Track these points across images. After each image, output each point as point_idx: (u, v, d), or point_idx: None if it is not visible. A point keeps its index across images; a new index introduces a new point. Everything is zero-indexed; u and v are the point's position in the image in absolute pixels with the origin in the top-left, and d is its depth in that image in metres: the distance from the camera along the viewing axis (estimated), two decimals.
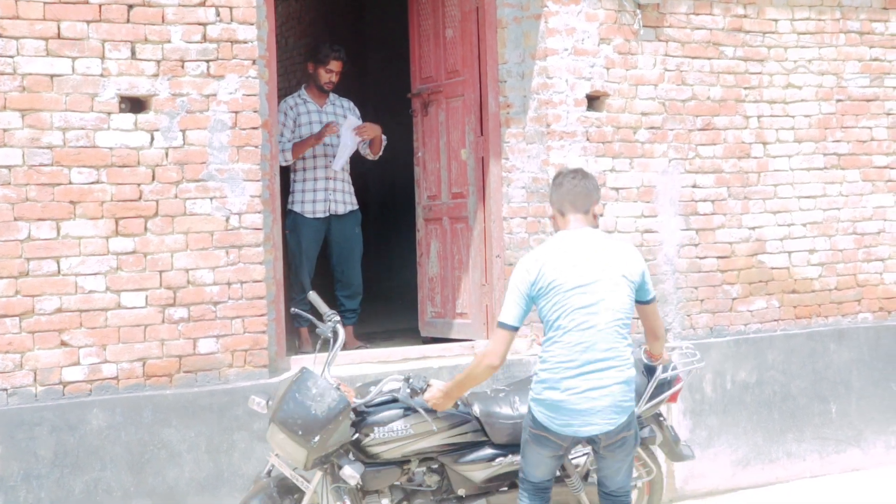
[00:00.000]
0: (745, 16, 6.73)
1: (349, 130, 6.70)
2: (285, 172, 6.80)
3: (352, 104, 7.02)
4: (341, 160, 6.73)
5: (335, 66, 6.83)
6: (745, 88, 6.74)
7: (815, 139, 6.96)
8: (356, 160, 6.97)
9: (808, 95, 6.94)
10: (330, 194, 6.77)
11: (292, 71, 10.85)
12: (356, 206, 6.91)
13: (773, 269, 6.83)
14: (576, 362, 4.20)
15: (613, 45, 6.34)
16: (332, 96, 6.92)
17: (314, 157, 6.76)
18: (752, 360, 6.70)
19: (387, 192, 9.88)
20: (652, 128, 6.46)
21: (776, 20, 6.83)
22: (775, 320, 6.83)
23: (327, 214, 6.76)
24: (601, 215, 4.45)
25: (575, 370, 4.20)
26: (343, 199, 6.82)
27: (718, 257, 6.67)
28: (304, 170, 6.77)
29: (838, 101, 7.03)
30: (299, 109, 6.80)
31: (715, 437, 6.57)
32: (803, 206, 6.93)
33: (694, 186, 6.59)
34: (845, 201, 7.06)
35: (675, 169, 6.53)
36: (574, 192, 4.39)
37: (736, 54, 6.71)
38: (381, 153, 7.00)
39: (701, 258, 6.61)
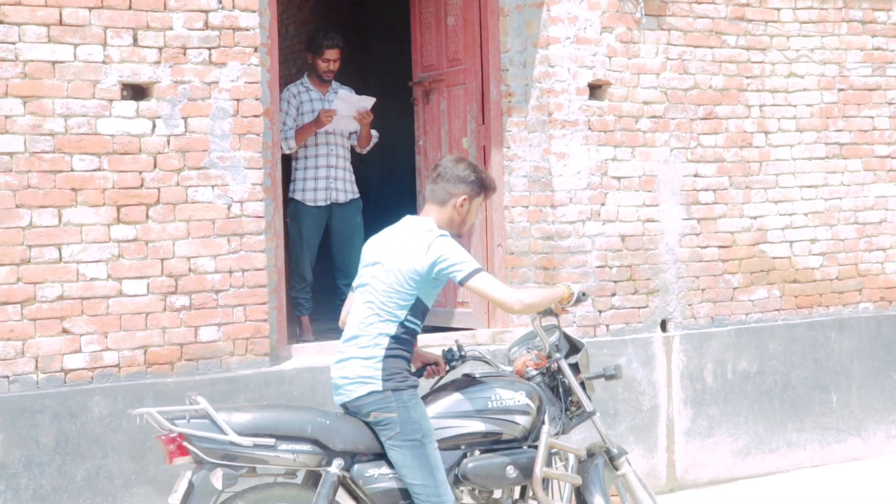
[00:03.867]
0: (747, 4, 6.71)
1: (343, 101, 6.64)
2: (286, 161, 6.78)
3: (353, 92, 6.99)
4: (342, 123, 6.69)
5: (332, 54, 6.81)
6: (748, 77, 6.73)
7: (816, 128, 6.96)
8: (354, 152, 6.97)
9: (811, 85, 6.93)
10: (331, 182, 6.76)
11: (292, 59, 10.83)
12: (357, 195, 6.89)
13: (774, 258, 6.83)
14: (343, 335, 4.25)
15: (615, 34, 6.33)
16: (334, 84, 6.90)
17: (315, 145, 6.74)
18: (753, 349, 6.71)
19: (387, 180, 9.87)
20: (654, 117, 6.45)
21: (778, 9, 6.81)
22: (776, 310, 6.83)
23: (328, 202, 6.75)
24: (463, 206, 4.24)
25: (341, 342, 4.25)
26: (344, 188, 6.81)
27: (720, 247, 6.66)
28: (306, 158, 6.76)
29: (840, 90, 7.02)
30: (301, 98, 6.79)
31: (716, 426, 6.58)
32: (805, 195, 6.92)
33: (695, 176, 6.58)
34: (847, 191, 7.06)
35: (676, 158, 6.52)
36: (430, 185, 4.33)
37: (738, 43, 6.69)
38: (370, 147, 6.99)
39: (702, 247, 6.61)
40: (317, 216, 6.75)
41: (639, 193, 6.40)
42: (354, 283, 4.28)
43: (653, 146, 6.44)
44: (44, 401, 5.03)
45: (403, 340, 4.12)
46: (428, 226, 4.20)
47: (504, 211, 6.42)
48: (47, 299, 5.07)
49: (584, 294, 4.34)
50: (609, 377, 4.52)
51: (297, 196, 6.76)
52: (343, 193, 6.80)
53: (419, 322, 4.16)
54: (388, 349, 4.08)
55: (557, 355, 4.38)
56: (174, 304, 5.30)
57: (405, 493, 4.04)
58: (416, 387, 4.13)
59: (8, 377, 5.00)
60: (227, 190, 5.41)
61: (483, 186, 4.30)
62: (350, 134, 6.85)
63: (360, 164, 7.37)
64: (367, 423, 4.10)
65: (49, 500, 5.03)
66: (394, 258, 4.13)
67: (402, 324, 4.10)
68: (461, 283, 4.09)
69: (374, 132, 6.90)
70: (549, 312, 4.38)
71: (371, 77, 9.78)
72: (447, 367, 4.45)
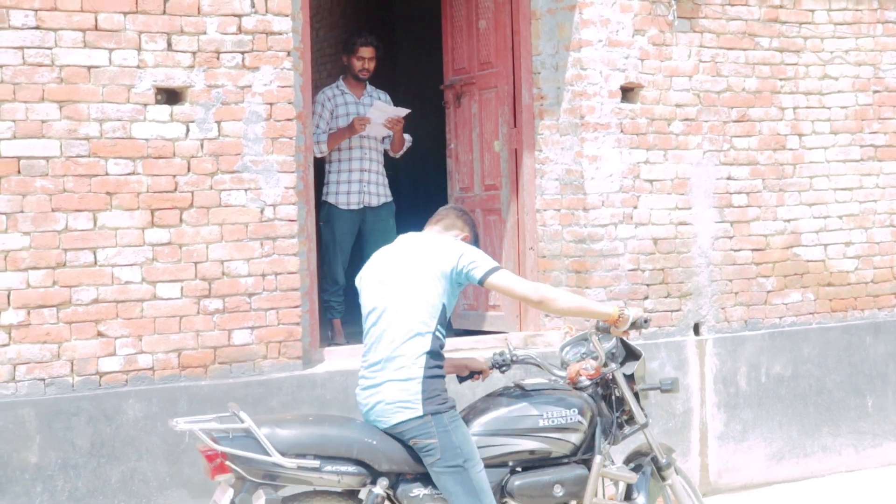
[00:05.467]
0: (781, 6, 6.67)
1: (378, 111, 6.67)
2: (320, 164, 6.80)
3: (388, 97, 7.01)
4: (375, 129, 6.71)
5: (366, 52, 6.83)
6: (781, 80, 6.69)
7: (851, 131, 6.90)
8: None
9: (845, 86, 6.87)
10: (364, 186, 6.77)
11: (322, 63, 10.86)
12: (390, 198, 6.90)
13: (808, 261, 6.78)
14: (368, 360, 4.11)
15: (648, 37, 6.31)
16: (369, 87, 6.93)
17: (349, 148, 6.76)
18: (788, 353, 6.66)
19: (418, 183, 9.87)
20: (686, 119, 6.42)
21: (813, 10, 6.77)
22: (811, 313, 6.78)
23: (361, 206, 6.76)
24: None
25: (365, 369, 4.11)
26: (377, 191, 6.82)
27: (753, 250, 6.62)
28: (339, 161, 6.78)
29: (875, 92, 6.96)
30: (336, 101, 6.81)
31: (749, 430, 6.53)
32: (839, 198, 6.87)
33: (728, 178, 6.54)
34: (882, 193, 6.99)
35: (709, 161, 6.49)
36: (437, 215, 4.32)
37: (772, 45, 6.65)
38: (402, 152, 6.99)
39: (735, 251, 6.57)
40: (350, 220, 6.76)
41: (671, 196, 6.37)
42: (365, 311, 4.11)
43: (685, 149, 6.41)
44: (79, 403, 5.07)
45: (438, 356, 4.01)
46: (440, 235, 4.17)
47: (536, 214, 6.40)
48: (82, 302, 5.11)
49: (646, 321, 4.16)
50: (665, 390, 4.39)
51: (331, 199, 6.78)
52: (376, 197, 6.81)
53: (445, 333, 4.07)
54: (426, 368, 3.95)
55: (613, 366, 4.25)
56: (208, 307, 5.32)
57: None
58: (454, 407, 4.03)
59: (44, 380, 5.04)
60: (260, 193, 5.43)
61: (476, 241, 4.31)
62: (383, 138, 6.86)
63: (391, 167, 7.38)
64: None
65: (84, 502, 5.06)
66: (416, 270, 4.02)
67: (434, 336, 3.98)
68: (481, 281, 3.98)
69: (407, 136, 6.91)
70: (605, 330, 4.26)
71: (401, 80, 9.79)
72: (500, 371, 4.39)
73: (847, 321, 6.87)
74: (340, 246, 6.76)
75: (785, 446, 6.64)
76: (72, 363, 5.09)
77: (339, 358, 5.81)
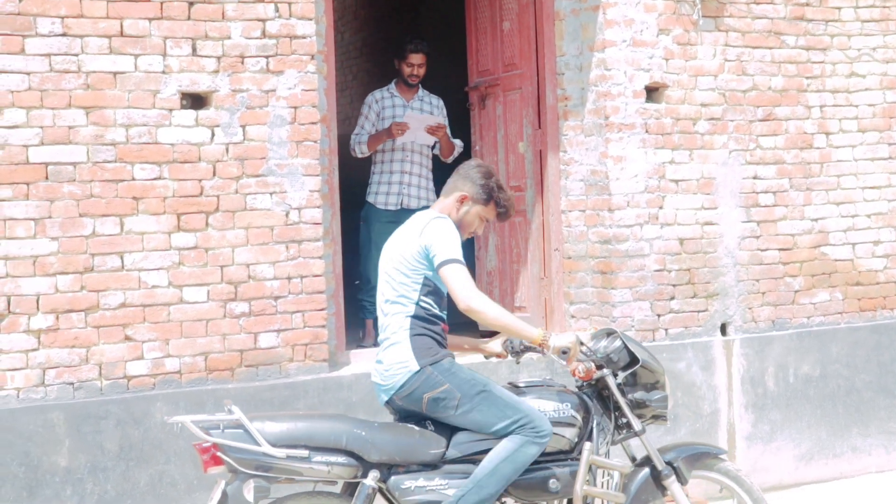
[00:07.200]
0: (807, 4, 6.62)
1: (412, 119, 6.71)
2: (362, 164, 6.87)
3: (441, 101, 7.02)
4: (420, 136, 6.74)
5: (416, 59, 6.88)
6: (808, 78, 6.64)
7: (879, 129, 6.84)
8: None
9: (873, 84, 6.82)
10: (404, 188, 6.81)
11: (348, 66, 10.90)
12: (433, 202, 6.91)
13: (836, 261, 6.73)
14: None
15: (672, 36, 6.28)
16: (421, 91, 6.97)
17: (392, 150, 6.80)
18: (816, 353, 6.61)
19: (441, 185, 9.86)
20: (712, 119, 6.38)
21: (839, 8, 6.72)
22: (839, 313, 6.73)
23: (399, 207, 6.79)
24: (463, 205, 4.33)
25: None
26: (417, 194, 6.84)
27: (780, 249, 6.58)
28: (382, 163, 6.84)
29: None
30: (384, 103, 6.86)
31: (778, 431, 6.49)
32: (867, 196, 6.81)
33: (755, 178, 6.50)
34: None
35: (735, 160, 6.45)
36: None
37: (798, 43, 6.61)
38: (454, 157, 7.01)
39: (762, 250, 6.53)
40: (387, 220, 6.78)
41: (697, 196, 6.34)
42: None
43: (711, 148, 6.38)
44: (108, 407, 5.11)
45: (425, 319, 4.14)
46: (429, 213, 4.28)
47: (561, 215, 6.39)
48: (110, 307, 5.15)
49: (565, 352, 4.09)
50: (656, 416, 4.36)
51: (371, 199, 6.86)
52: (416, 199, 6.83)
53: (435, 306, 4.17)
54: (411, 329, 4.11)
55: (606, 371, 4.27)
56: (234, 310, 5.35)
57: None
58: (453, 357, 4.16)
59: (73, 384, 5.09)
60: (285, 197, 5.45)
61: (490, 197, 4.29)
62: (434, 143, 6.89)
63: None
64: (425, 420, 4.09)
65: None
66: (399, 248, 4.20)
67: (417, 304, 4.12)
68: (436, 268, 4.10)
69: (457, 141, 6.93)
70: (563, 352, 4.19)
71: (426, 83, 9.79)
72: (515, 357, 4.41)
73: (876, 321, 6.82)
74: (376, 245, 6.75)
75: (814, 447, 6.59)
76: (100, 367, 5.13)
77: (365, 360, 5.82)
